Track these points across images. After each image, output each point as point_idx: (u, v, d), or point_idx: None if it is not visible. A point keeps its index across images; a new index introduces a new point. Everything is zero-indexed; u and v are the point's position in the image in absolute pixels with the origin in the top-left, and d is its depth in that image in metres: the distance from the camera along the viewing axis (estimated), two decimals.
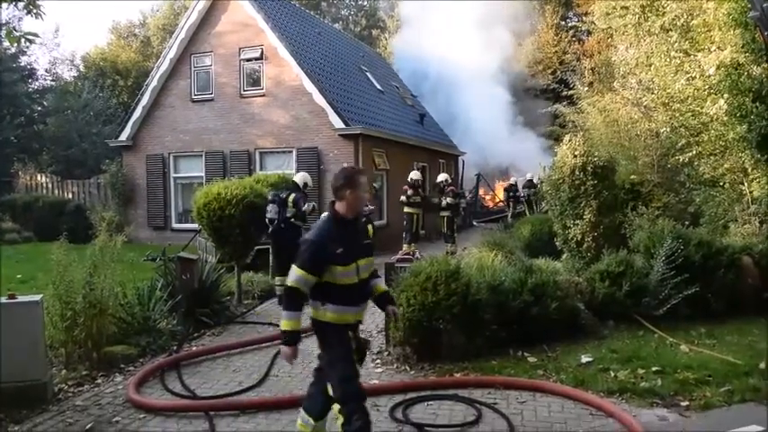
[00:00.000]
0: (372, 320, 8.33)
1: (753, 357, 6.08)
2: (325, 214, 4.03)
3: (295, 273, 3.73)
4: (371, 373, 6.19)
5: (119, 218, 17.20)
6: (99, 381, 6.02)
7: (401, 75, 29.79)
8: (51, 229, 15.92)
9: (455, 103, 32.99)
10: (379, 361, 6.57)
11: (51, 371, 5.86)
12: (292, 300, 3.78)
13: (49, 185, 22.46)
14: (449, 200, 14.06)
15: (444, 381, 5.86)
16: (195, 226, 11.61)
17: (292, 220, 9.63)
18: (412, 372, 6.19)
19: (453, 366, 6.16)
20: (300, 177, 10.37)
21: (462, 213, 18.30)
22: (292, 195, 9.74)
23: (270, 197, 9.82)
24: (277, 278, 9.75)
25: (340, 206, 3.92)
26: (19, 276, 11.03)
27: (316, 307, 3.85)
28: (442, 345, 6.36)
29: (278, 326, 8.01)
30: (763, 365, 5.78)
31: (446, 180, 14.59)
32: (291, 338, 3.78)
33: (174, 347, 7.04)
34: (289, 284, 3.77)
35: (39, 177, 23.29)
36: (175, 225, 18.38)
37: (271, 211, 9.66)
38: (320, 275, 3.74)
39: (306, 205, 9.72)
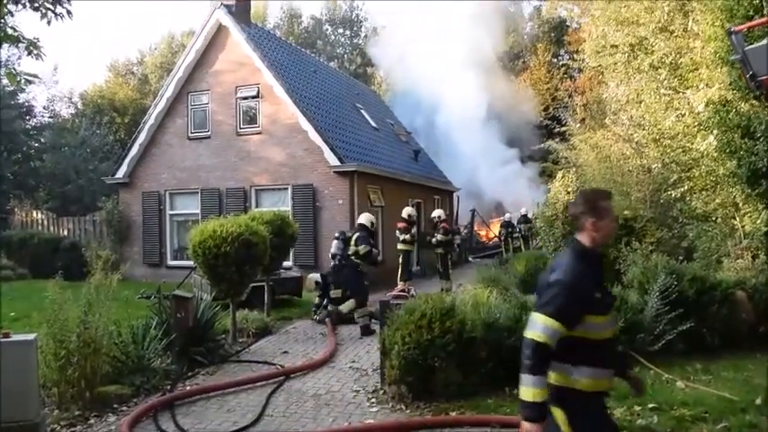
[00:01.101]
0: (368, 358, 8.31)
1: (749, 393, 6.07)
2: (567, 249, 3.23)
3: (543, 323, 2.86)
4: (366, 412, 6.15)
5: (114, 256, 17.15)
6: (92, 421, 5.95)
7: (394, 110, 30.17)
8: (46, 265, 15.88)
9: (448, 138, 33.42)
10: (374, 400, 6.52)
11: (44, 411, 5.81)
12: (541, 359, 2.86)
13: (45, 222, 22.46)
14: (439, 237, 14.07)
15: (440, 419, 5.81)
16: (190, 263, 11.60)
17: (352, 257, 10.39)
18: (408, 410, 6.14)
19: (449, 405, 6.12)
20: (366, 218, 10.95)
21: (457, 249, 18.27)
22: (356, 235, 10.56)
23: (337, 234, 10.97)
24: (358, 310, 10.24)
25: (583, 238, 3.10)
26: (12, 314, 10.95)
27: (564, 371, 2.97)
28: (438, 383, 6.34)
29: (273, 364, 8.03)
30: (759, 401, 5.76)
31: (438, 216, 14.63)
32: (539, 413, 2.84)
33: (168, 387, 6.99)
34: (535, 338, 2.87)
35: (35, 214, 23.30)
36: (171, 262, 18.35)
37: (334, 246, 10.72)
38: (572, 327, 2.90)
39: (362, 246, 10.30)
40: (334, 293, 11.16)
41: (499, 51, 38.39)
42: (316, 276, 11.72)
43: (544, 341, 2.84)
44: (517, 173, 34.89)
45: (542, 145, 23.45)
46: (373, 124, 22.38)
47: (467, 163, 32.03)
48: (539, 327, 2.87)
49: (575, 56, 22.74)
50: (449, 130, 33.72)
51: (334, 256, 10.84)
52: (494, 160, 34.07)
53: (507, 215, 25.51)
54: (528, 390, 2.85)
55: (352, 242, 10.49)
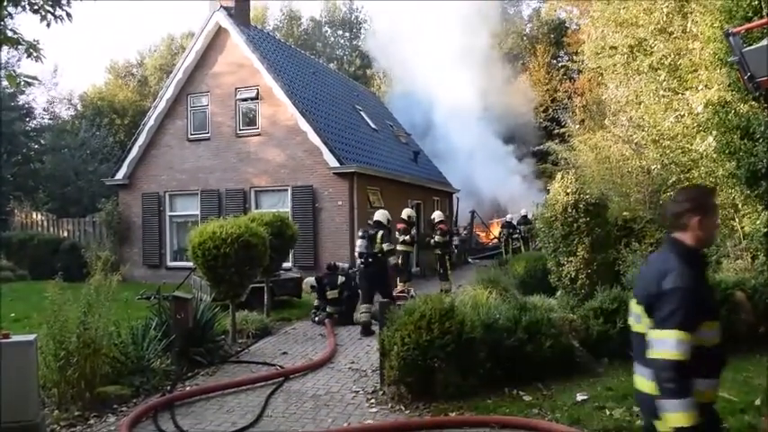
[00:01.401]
0: (367, 359, 8.32)
1: (748, 394, 6.06)
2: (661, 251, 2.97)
3: (676, 338, 2.61)
4: (366, 412, 6.16)
5: (114, 256, 17.16)
6: (92, 421, 5.96)
7: (394, 112, 30.22)
8: (46, 267, 15.91)
9: (446, 137, 33.51)
10: (373, 400, 6.52)
11: (44, 411, 5.81)
12: (685, 378, 2.60)
13: (45, 223, 22.47)
14: (437, 238, 14.10)
15: (439, 420, 5.83)
16: (190, 264, 11.61)
17: (379, 255, 10.61)
18: (407, 411, 6.15)
19: (448, 405, 6.13)
20: (383, 215, 11.25)
21: (455, 251, 18.26)
22: (380, 233, 10.75)
23: (360, 233, 11.09)
24: (362, 306, 10.50)
25: (686, 237, 2.87)
26: (12, 315, 10.96)
27: None
28: (437, 383, 6.34)
29: (272, 365, 8.03)
30: (758, 402, 5.76)
31: (432, 218, 14.69)
32: None
33: (168, 387, 7.00)
34: (673, 358, 2.61)
35: (34, 215, 23.31)
36: (170, 263, 18.35)
37: (360, 245, 10.80)
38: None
39: (386, 244, 10.68)
40: (331, 294, 11.19)
41: (497, 48, 38.42)
42: (311, 280, 11.70)
43: (681, 358, 2.60)
44: (513, 170, 35.00)
45: (542, 146, 23.49)
46: (372, 125, 22.39)
47: (464, 161, 32.13)
48: (671, 344, 2.62)
49: (574, 57, 22.77)
50: (446, 128, 33.82)
51: (361, 255, 10.97)
52: (490, 157, 34.15)
53: (509, 216, 25.50)
54: (680, 415, 2.57)
55: (378, 240, 10.66)
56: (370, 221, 17.37)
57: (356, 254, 11.11)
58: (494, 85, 35.74)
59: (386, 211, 11.52)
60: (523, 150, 35.82)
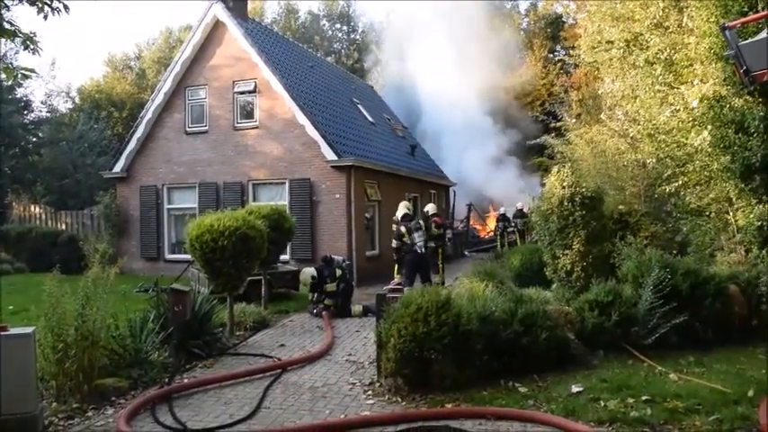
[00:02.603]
0: (364, 351, 8.37)
1: (741, 385, 6.12)
2: None
3: None
4: (363, 404, 6.21)
5: (112, 249, 17.19)
6: (90, 414, 5.99)
7: (391, 106, 30.24)
8: (44, 259, 15.95)
9: (443, 132, 33.57)
10: (370, 392, 6.57)
11: (42, 403, 5.85)
12: None
13: (43, 216, 22.45)
14: (433, 229, 14.13)
15: (435, 412, 5.88)
16: (188, 257, 11.65)
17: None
18: (403, 403, 6.20)
19: (444, 397, 6.18)
20: (406, 206, 12.91)
21: (449, 244, 18.27)
22: (420, 222, 12.64)
23: (415, 224, 12.35)
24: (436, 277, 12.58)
25: None
26: (11, 308, 10.97)
27: None
28: (434, 375, 6.39)
29: (270, 357, 8.08)
30: (751, 393, 5.82)
31: (426, 210, 14.74)
32: None
33: (166, 379, 7.03)
34: None
35: (33, 208, 23.30)
36: (168, 256, 18.35)
37: (420, 236, 12.10)
38: None
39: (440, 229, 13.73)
40: (330, 287, 11.24)
41: (491, 40, 38.49)
42: (311, 271, 11.69)
43: None
44: (496, 147, 35.19)
45: (538, 140, 23.54)
46: (370, 119, 22.39)
47: (451, 140, 32.31)
48: None
49: (571, 51, 22.75)
50: (437, 111, 33.98)
51: (420, 247, 12.08)
52: (476, 134, 34.32)
53: (502, 209, 25.54)
54: None
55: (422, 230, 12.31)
56: (366, 214, 17.51)
57: (417, 245, 12.06)
58: (484, 62, 35.81)
59: (405, 202, 13.08)
60: (503, 127, 36.02)
